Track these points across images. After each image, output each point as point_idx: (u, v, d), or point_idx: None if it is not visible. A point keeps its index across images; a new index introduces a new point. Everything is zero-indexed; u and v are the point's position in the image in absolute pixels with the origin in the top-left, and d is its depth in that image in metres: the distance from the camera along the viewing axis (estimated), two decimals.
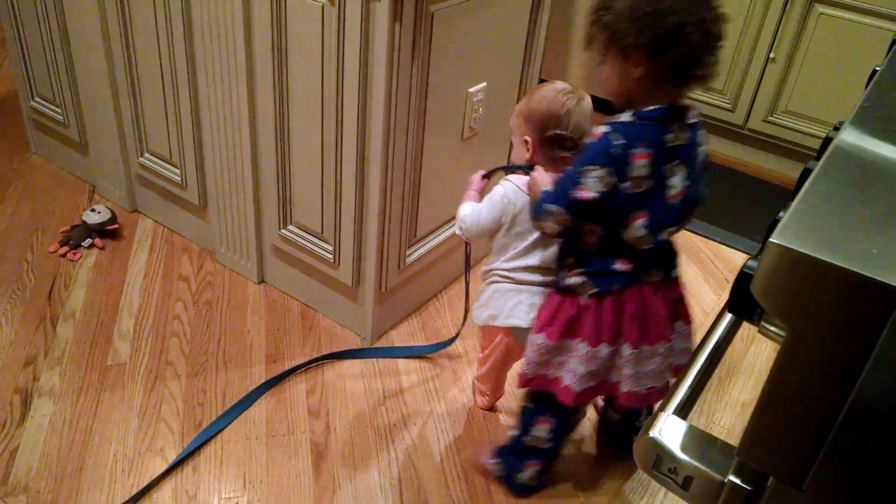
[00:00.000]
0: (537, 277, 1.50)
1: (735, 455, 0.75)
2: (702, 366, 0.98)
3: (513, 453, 1.59)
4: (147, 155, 2.22)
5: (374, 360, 1.92)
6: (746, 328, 1.15)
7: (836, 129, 0.99)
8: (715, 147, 3.10)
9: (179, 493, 1.56)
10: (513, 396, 1.82)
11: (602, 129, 1.26)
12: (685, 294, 1.44)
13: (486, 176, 1.60)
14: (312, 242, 1.92)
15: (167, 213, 2.29)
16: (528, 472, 1.58)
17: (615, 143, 1.23)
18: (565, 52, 3.14)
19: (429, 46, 1.65)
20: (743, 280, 0.74)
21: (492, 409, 1.81)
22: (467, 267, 1.75)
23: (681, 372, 1.44)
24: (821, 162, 0.75)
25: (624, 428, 1.72)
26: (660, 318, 1.36)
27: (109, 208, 2.26)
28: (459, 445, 1.71)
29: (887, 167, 0.77)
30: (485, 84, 1.90)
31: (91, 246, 2.20)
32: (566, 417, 1.52)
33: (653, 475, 0.85)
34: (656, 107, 1.23)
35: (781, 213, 0.67)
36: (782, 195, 2.73)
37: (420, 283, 2.07)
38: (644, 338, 1.36)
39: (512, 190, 1.49)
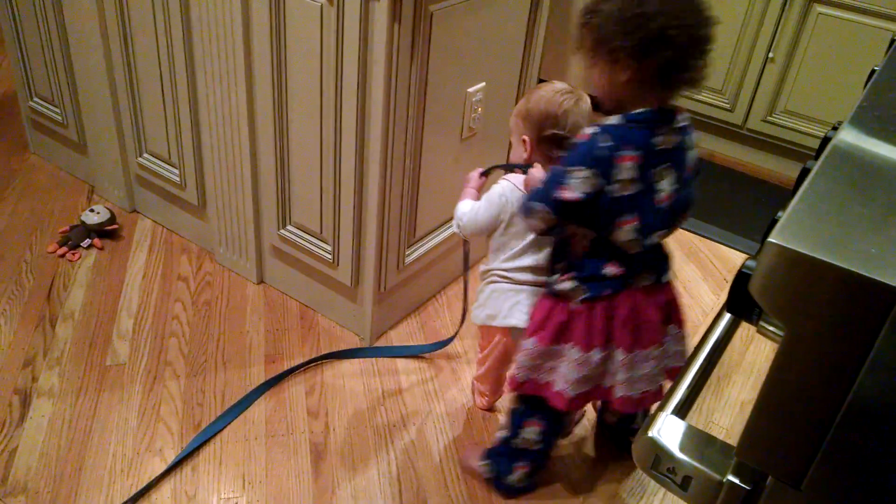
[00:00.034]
0: (536, 277, 1.50)
1: (734, 455, 0.75)
2: (700, 365, 0.98)
3: (502, 455, 1.59)
4: (146, 155, 2.22)
5: (374, 360, 1.92)
6: (746, 328, 1.15)
7: (835, 128, 0.99)
8: (714, 147, 3.10)
9: (178, 493, 1.56)
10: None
11: (590, 130, 1.26)
12: (678, 297, 1.43)
13: (484, 174, 1.60)
14: (311, 242, 1.92)
15: (166, 214, 2.29)
16: (517, 474, 1.58)
17: (602, 144, 1.23)
18: (564, 51, 3.14)
19: (428, 46, 1.65)
20: (741, 280, 0.74)
21: (491, 409, 1.81)
22: (466, 266, 1.75)
23: (676, 374, 1.45)
24: (819, 162, 0.75)
25: (621, 429, 1.71)
26: (652, 323, 1.36)
27: (108, 208, 2.26)
28: (459, 446, 1.71)
29: (885, 167, 0.77)
30: (484, 84, 1.90)
31: (90, 246, 2.20)
32: (556, 420, 1.52)
33: (652, 475, 0.85)
34: (644, 109, 1.23)
35: (780, 213, 0.67)
36: (781, 195, 2.73)
37: (419, 283, 2.07)
38: (637, 342, 1.36)
39: (510, 189, 1.49)
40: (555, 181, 1.27)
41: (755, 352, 2.05)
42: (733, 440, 0.75)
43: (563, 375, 1.39)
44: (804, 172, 0.98)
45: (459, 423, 1.78)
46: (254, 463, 1.63)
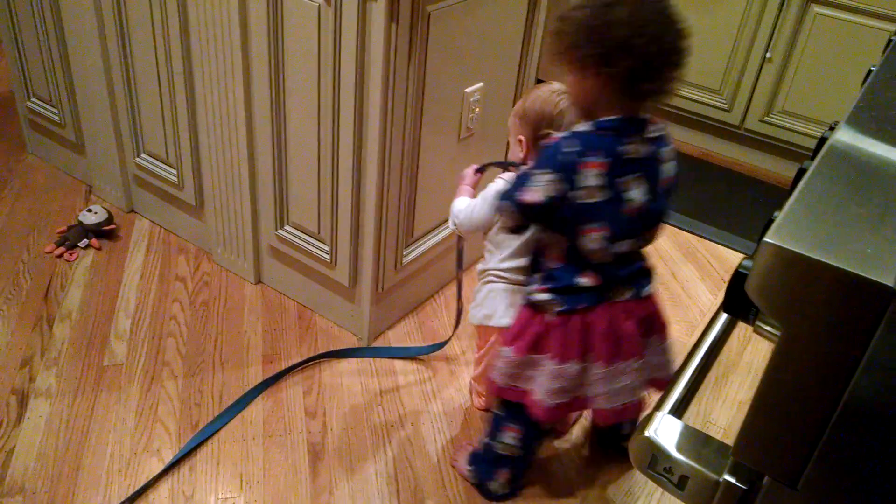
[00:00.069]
0: None
1: (730, 454, 0.75)
2: (697, 365, 0.98)
3: (484, 461, 1.59)
4: (143, 155, 2.22)
5: (371, 360, 1.92)
6: (743, 327, 1.15)
7: (832, 128, 0.99)
8: (711, 147, 3.10)
9: (176, 493, 1.56)
10: None
11: (559, 135, 1.27)
12: (660, 310, 1.42)
13: (480, 170, 1.60)
14: (309, 243, 1.92)
15: (164, 214, 2.29)
16: (499, 481, 1.58)
17: (567, 149, 1.23)
18: None
19: (425, 47, 1.65)
20: (738, 280, 0.74)
21: (488, 409, 1.81)
22: (459, 264, 1.74)
23: (662, 385, 1.44)
24: (815, 161, 0.75)
25: (611, 433, 1.71)
26: (630, 337, 1.35)
27: (106, 209, 2.26)
28: (456, 445, 1.71)
29: (882, 167, 0.77)
30: (481, 84, 1.90)
31: (87, 246, 2.20)
32: (535, 426, 1.50)
33: (648, 475, 0.85)
34: (614, 117, 1.23)
35: (776, 213, 0.67)
36: (779, 195, 2.73)
37: (417, 284, 2.07)
38: (616, 355, 1.35)
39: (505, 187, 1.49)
40: (520, 183, 1.28)
41: (752, 351, 2.05)
42: (731, 440, 0.75)
43: (541, 385, 1.39)
44: (801, 172, 0.98)
45: (457, 422, 1.78)
46: (251, 463, 1.63)
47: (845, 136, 0.79)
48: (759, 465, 0.72)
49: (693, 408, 1.84)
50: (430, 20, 1.63)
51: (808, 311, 0.63)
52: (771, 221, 0.66)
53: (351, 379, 1.86)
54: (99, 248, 2.20)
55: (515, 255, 1.51)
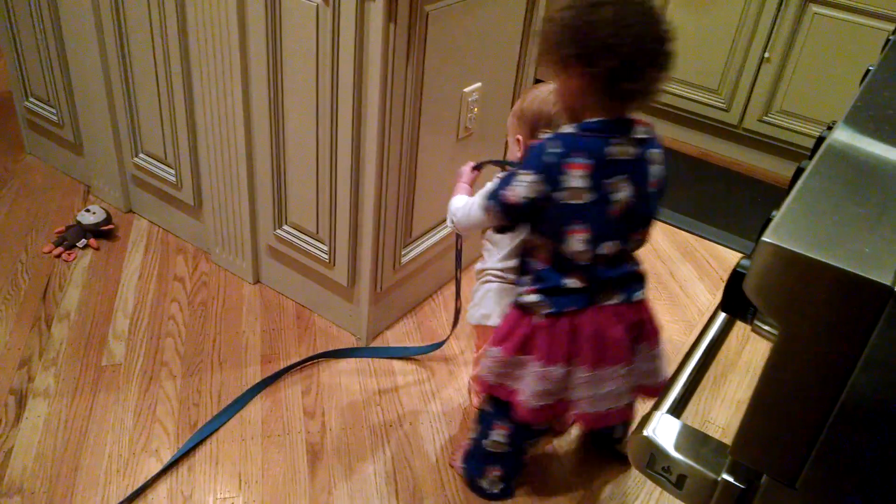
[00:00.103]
0: None
1: (728, 453, 0.75)
2: (695, 364, 0.98)
3: (473, 457, 1.59)
4: (142, 155, 2.22)
5: (370, 360, 1.92)
6: (742, 327, 1.15)
7: (830, 128, 0.99)
8: (710, 146, 3.11)
9: (175, 493, 1.56)
10: None
11: (544, 136, 1.27)
12: (651, 316, 1.41)
13: (476, 168, 1.59)
14: (307, 242, 1.92)
15: (162, 214, 2.29)
16: (489, 478, 1.58)
17: (551, 150, 1.24)
18: None
19: (424, 47, 1.65)
20: (736, 279, 0.74)
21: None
22: (458, 262, 1.73)
23: (652, 392, 1.43)
24: (813, 161, 0.75)
25: (605, 437, 1.70)
26: (617, 341, 1.34)
27: (104, 209, 2.25)
28: (455, 445, 1.71)
29: (879, 166, 0.77)
30: (480, 84, 1.90)
31: (86, 246, 2.19)
32: (524, 425, 1.49)
33: (647, 474, 0.85)
34: (599, 119, 1.24)
35: (774, 213, 0.67)
36: (777, 194, 2.73)
37: (415, 283, 2.07)
38: (601, 360, 1.34)
39: None
40: (504, 183, 1.29)
41: (751, 351, 2.05)
42: (730, 439, 0.75)
43: (527, 386, 1.39)
44: (799, 172, 0.99)
45: (455, 422, 1.78)
46: (250, 463, 1.63)
47: (843, 136, 0.79)
48: (758, 464, 0.73)
49: (692, 407, 1.85)
50: (429, 20, 1.63)
51: (805, 310, 0.63)
52: (769, 221, 0.66)
53: (349, 379, 1.86)
54: (97, 249, 2.20)
55: (513, 254, 1.50)
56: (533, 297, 1.35)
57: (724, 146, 3.07)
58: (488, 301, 1.55)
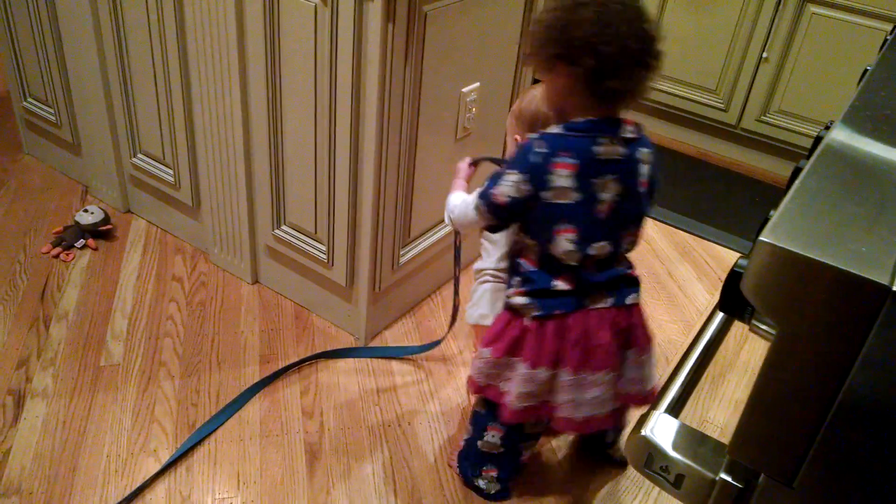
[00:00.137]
0: None
1: (726, 453, 0.75)
2: (693, 364, 0.99)
3: (468, 457, 1.59)
4: (140, 155, 2.21)
5: (368, 360, 1.92)
6: (740, 327, 1.16)
7: (827, 128, 0.99)
8: (708, 146, 3.11)
9: (173, 493, 1.56)
10: None
11: (531, 136, 1.27)
12: (642, 322, 1.39)
13: (473, 164, 1.59)
14: (306, 242, 1.92)
15: (160, 214, 2.29)
16: (485, 477, 1.57)
17: (536, 150, 1.24)
18: None
19: (422, 47, 1.65)
20: (734, 279, 0.74)
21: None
22: (457, 260, 1.72)
23: (638, 401, 1.42)
24: (811, 161, 0.75)
25: (596, 441, 1.69)
26: (603, 347, 1.32)
27: (102, 209, 2.25)
28: (453, 446, 1.71)
29: (877, 166, 0.77)
30: (478, 84, 1.90)
31: (84, 247, 2.19)
32: (518, 427, 1.49)
33: (645, 473, 0.85)
34: (585, 119, 1.24)
35: (772, 212, 0.68)
36: (775, 194, 2.74)
37: (414, 283, 2.07)
38: (584, 365, 1.33)
39: None
40: (491, 183, 1.29)
41: (749, 350, 2.05)
42: (728, 438, 0.75)
43: (513, 387, 1.38)
44: (797, 172, 0.99)
45: (454, 422, 1.78)
46: (248, 463, 1.63)
47: (841, 136, 0.79)
48: (755, 463, 0.73)
49: (690, 407, 1.85)
50: (427, 20, 1.63)
51: (803, 309, 0.63)
52: (767, 220, 0.66)
53: (348, 379, 1.86)
54: (95, 249, 2.20)
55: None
56: (521, 300, 1.34)
57: (722, 146, 3.07)
58: (486, 301, 1.55)
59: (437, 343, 1.94)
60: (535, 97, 1.43)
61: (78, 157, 2.42)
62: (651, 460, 0.84)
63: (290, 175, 1.86)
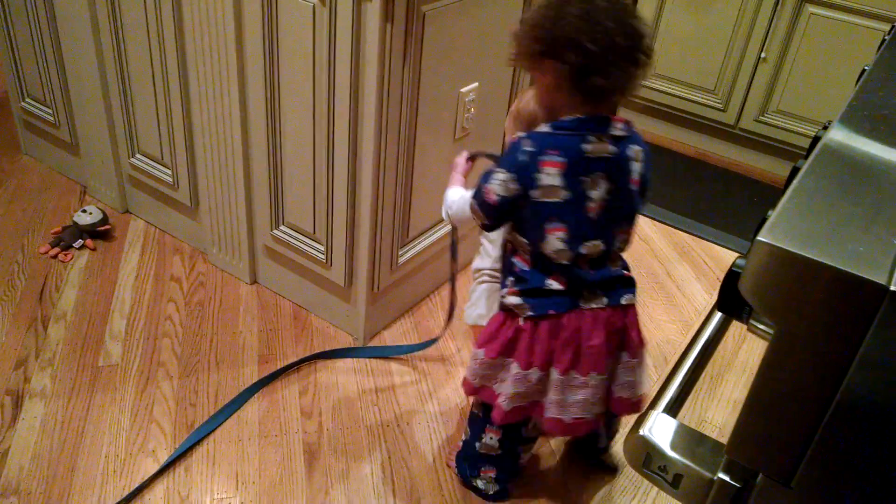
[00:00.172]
0: None
1: (724, 452, 0.75)
2: (692, 364, 0.99)
3: (467, 459, 1.58)
4: (138, 156, 2.21)
5: (367, 360, 1.92)
6: (739, 327, 1.15)
7: (825, 128, 0.99)
8: (707, 146, 3.11)
9: (171, 493, 1.56)
10: None
11: (519, 135, 1.27)
12: (636, 323, 1.38)
13: (471, 158, 1.59)
14: (304, 243, 1.92)
15: (159, 214, 2.29)
16: (484, 478, 1.57)
17: (524, 149, 1.24)
18: None
19: (420, 47, 1.65)
20: (732, 278, 0.74)
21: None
22: (453, 255, 1.70)
23: (626, 407, 1.40)
24: (808, 160, 0.75)
25: (589, 446, 1.68)
26: (595, 349, 1.31)
27: (101, 209, 2.25)
28: (452, 446, 1.71)
29: (874, 166, 0.77)
30: (477, 84, 1.90)
31: (82, 247, 2.19)
32: (512, 429, 1.49)
33: (643, 473, 0.85)
34: (573, 117, 1.24)
35: (770, 212, 0.68)
36: (774, 194, 2.73)
37: (412, 283, 2.07)
38: (574, 366, 1.32)
39: None
40: (483, 182, 1.30)
41: (748, 350, 2.05)
42: (726, 438, 0.75)
43: (506, 389, 1.38)
44: (795, 171, 0.99)
45: (453, 422, 1.78)
46: (247, 463, 1.63)
47: (838, 136, 0.80)
48: (753, 462, 0.73)
49: (688, 406, 1.85)
50: (426, 20, 1.63)
51: (801, 309, 0.63)
52: (764, 220, 0.66)
53: (347, 379, 1.86)
54: (94, 249, 2.20)
55: None
56: (515, 300, 1.34)
57: (720, 146, 3.08)
58: (484, 301, 1.55)
59: (435, 341, 1.94)
60: (533, 97, 1.43)
61: (76, 157, 2.42)
62: (649, 460, 0.84)
63: (289, 175, 1.86)
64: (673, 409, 0.91)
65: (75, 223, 2.20)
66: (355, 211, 1.78)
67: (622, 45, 1.18)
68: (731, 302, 0.79)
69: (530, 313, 1.32)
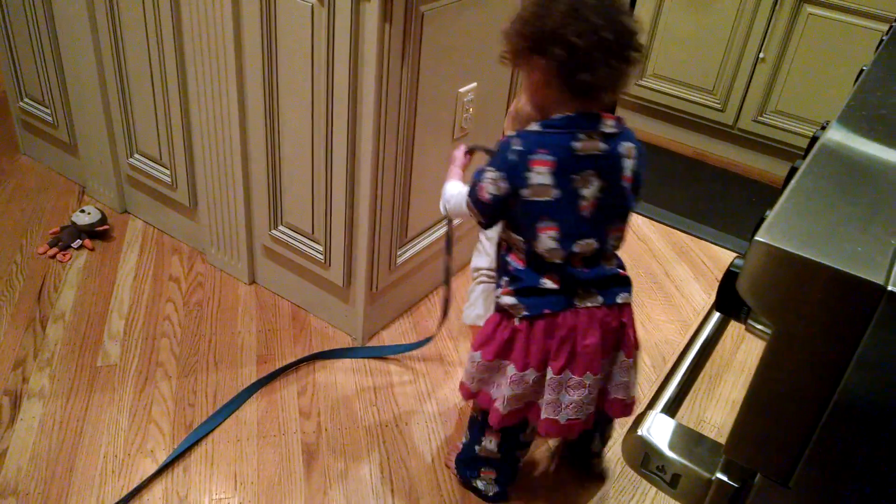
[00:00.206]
0: None
1: (722, 452, 0.75)
2: (690, 364, 0.99)
3: (466, 461, 1.58)
4: (137, 156, 2.21)
5: (365, 360, 1.92)
6: (738, 327, 1.15)
7: (823, 128, 0.99)
8: (705, 146, 3.11)
9: (170, 494, 1.56)
10: None
11: (509, 134, 1.27)
12: (632, 323, 1.38)
13: (468, 152, 1.58)
14: (303, 243, 1.92)
15: (157, 214, 2.29)
16: (483, 479, 1.57)
17: (514, 148, 1.24)
18: None
19: (419, 47, 1.65)
20: (730, 278, 0.75)
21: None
22: (448, 249, 1.68)
23: (618, 409, 1.39)
24: (806, 160, 0.75)
25: (582, 450, 1.67)
26: (589, 349, 1.30)
27: (99, 209, 2.25)
28: (451, 446, 1.71)
29: (872, 166, 0.77)
30: (475, 84, 1.90)
31: (81, 247, 2.19)
32: (511, 432, 1.48)
33: (641, 473, 0.85)
34: (562, 115, 1.23)
35: (768, 212, 0.68)
36: (772, 194, 2.74)
37: (411, 284, 2.07)
38: (569, 366, 1.31)
39: None
40: (475, 180, 1.30)
41: (746, 350, 2.05)
42: (724, 438, 0.75)
43: (502, 392, 1.37)
44: (793, 171, 0.99)
45: (451, 422, 1.78)
46: (245, 463, 1.63)
47: (836, 136, 0.80)
48: (751, 462, 0.73)
49: (686, 407, 1.85)
50: (424, 20, 1.63)
51: (798, 309, 0.63)
52: (762, 220, 0.66)
53: (345, 379, 1.86)
54: (92, 249, 2.20)
55: None
56: (510, 300, 1.33)
57: (719, 146, 3.08)
58: (482, 301, 1.55)
59: (431, 338, 1.94)
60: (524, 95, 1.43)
61: (74, 157, 2.42)
62: (647, 460, 0.84)
63: (287, 175, 1.86)
64: (671, 408, 0.91)
65: (74, 223, 2.20)
66: (354, 211, 1.78)
67: (610, 41, 1.17)
68: (730, 302, 0.79)
69: (525, 313, 1.31)
